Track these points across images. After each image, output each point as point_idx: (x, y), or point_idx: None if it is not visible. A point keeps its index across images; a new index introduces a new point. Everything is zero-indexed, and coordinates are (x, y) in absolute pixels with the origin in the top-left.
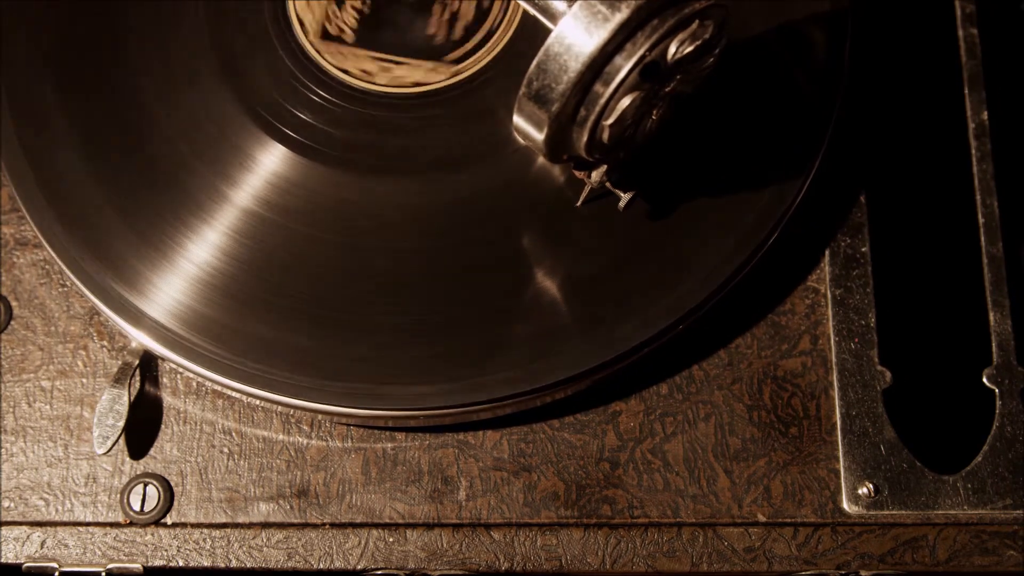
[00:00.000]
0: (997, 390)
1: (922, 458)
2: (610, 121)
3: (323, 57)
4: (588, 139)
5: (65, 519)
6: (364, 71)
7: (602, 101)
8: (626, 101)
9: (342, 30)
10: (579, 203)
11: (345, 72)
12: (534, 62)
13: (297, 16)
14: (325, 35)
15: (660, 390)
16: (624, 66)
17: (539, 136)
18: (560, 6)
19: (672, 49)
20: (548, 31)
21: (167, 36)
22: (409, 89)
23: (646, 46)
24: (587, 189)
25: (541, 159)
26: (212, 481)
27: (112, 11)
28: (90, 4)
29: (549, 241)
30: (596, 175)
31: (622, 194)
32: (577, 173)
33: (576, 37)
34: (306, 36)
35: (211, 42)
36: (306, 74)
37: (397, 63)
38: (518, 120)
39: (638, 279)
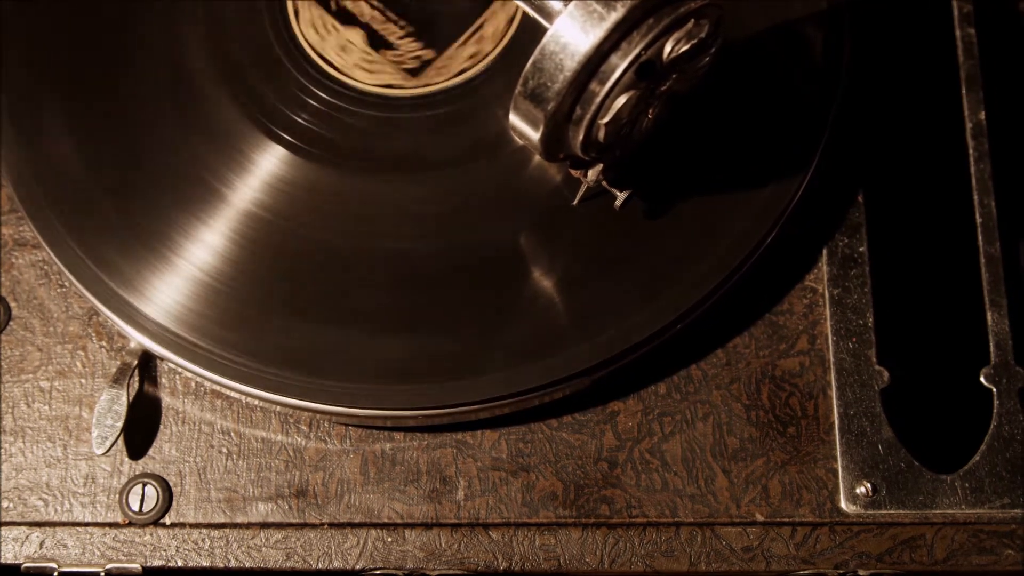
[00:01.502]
0: (995, 389)
1: (920, 457)
2: (606, 120)
3: (435, 84)
4: (584, 138)
5: (64, 519)
6: (471, 56)
7: (598, 100)
8: (622, 100)
9: (419, 57)
10: (575, 202)
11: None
12: (530, 61)
13: (366, 83)
14: (414, 72)
15: (658, 390)
16: (620, 65)
17: (535, 135)
18: (556, 5)
19: (668, 48)
20: (544, 30)
21: (168, 37)
22: (409, 91)
23: (642, 45)
24: (583, 188)
25: (537, 158)
26: (211, 481)
27: (112, 12)
28: (90, 5)
29: (546, 240)
30: (592, 174)
31: (618, 193)
32: (573, 172)
33: (572, 36)
34: (403, 90)
35: (212, 45)
36: (302, 72)
37: (480, 27)
38: (514, 119)
39: (636, 278)
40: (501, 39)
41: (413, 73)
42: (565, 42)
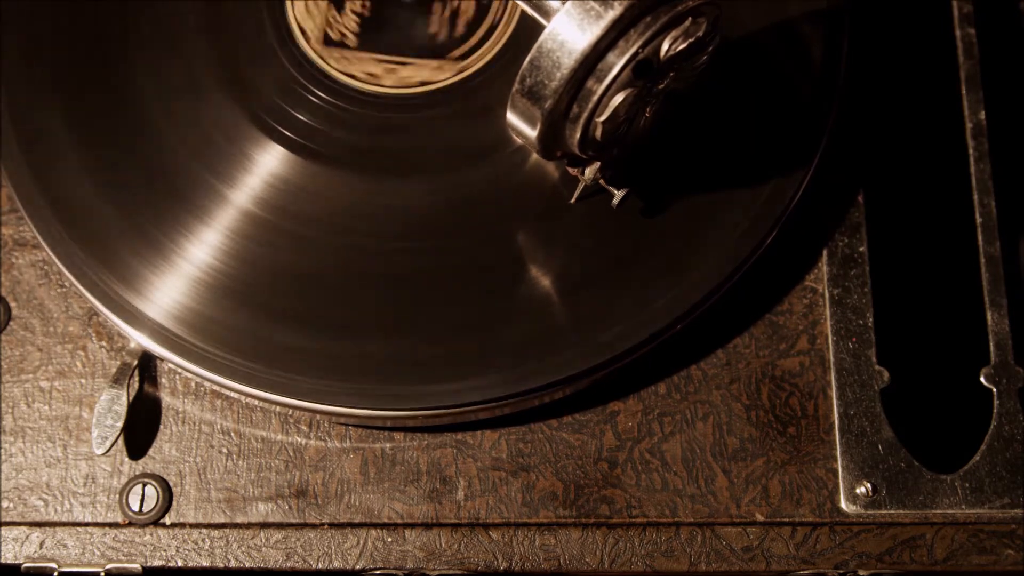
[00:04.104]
0: (995, 389)
1: (920, 457)
2: (603, 118)
3: (327, 63)
4: (581, 136)
5: (64, 519)
6: (370, 74)
7: (595, 98)
8: (619, 98)
9: (344, 35)
10: (573, 200)
11: (351, 76)
12: (527, 58)
13: (298, 24)
14: (328, 41)
15: (658, 390)
16: (617, 63)
17: (532, 133)
18: (554, 4)
19: (665, 46)
20: (542, 28)
21: (167, 38)
22: (411, 89)
23: (639, 43)
24: (581, 186)
25: (535, 156)
26: (211, 481)
27: (112, 13)
28: (90, 6)
29: (545, 239)
30: (589, 172)
31: (616, 191)
32: (571, 170)
33: (569, 34)
34: (308, 43)
35: (210, 46)
36: (308, 79)
37: (402, 64)
38: (511, 117)
39: (635, 278)
40: (401, 86)
41: (325, 42)
42: (562, 40)
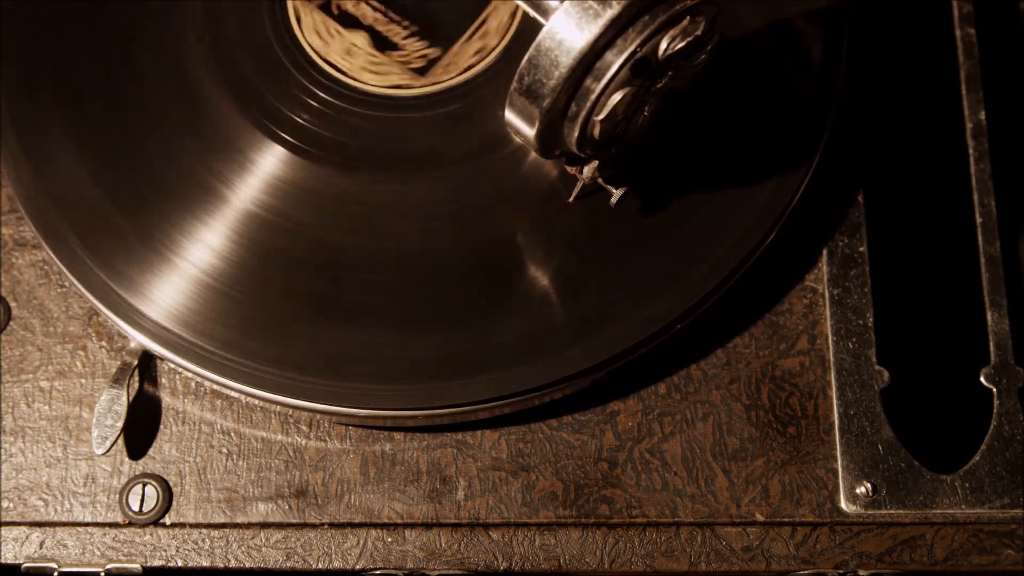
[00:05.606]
0: (995, 389)
1: (920, 457)
2: (601, 117)
3: (327, 60)
4: (579, 135)
5: (64, 519)
6: (369, 71)
7: (593, 97)
8: (617, 97)
9: (425, 56)
10: (571, 199)
11: (351, 75)
12: (526, 57)
13: (297, 18)
14: (422, 71)
15: (658, 390)
16: (615, 62)
17: (530, 131)
18: (553, 3)
19: (663, 45)
20: (541, 26)
21: (167, 39)
22: (410, 90)
23: (637, 42)
24: (579, 185)
25: (533, 155)
26: (211, 481)
27: (111, 12)
28: (89, 5)
29: (543, 238)
30: (588, 171)
31: (614, 190)
32: (569, 169)
33: (567, 32)
34: (306, 40)
35: (210, 45)
36: (308, 78)
37: (405, 60)
38: (509, 115)
39: (635, 277)
40: (506, 33)
41: (421, 72)
42: (561, 39)
